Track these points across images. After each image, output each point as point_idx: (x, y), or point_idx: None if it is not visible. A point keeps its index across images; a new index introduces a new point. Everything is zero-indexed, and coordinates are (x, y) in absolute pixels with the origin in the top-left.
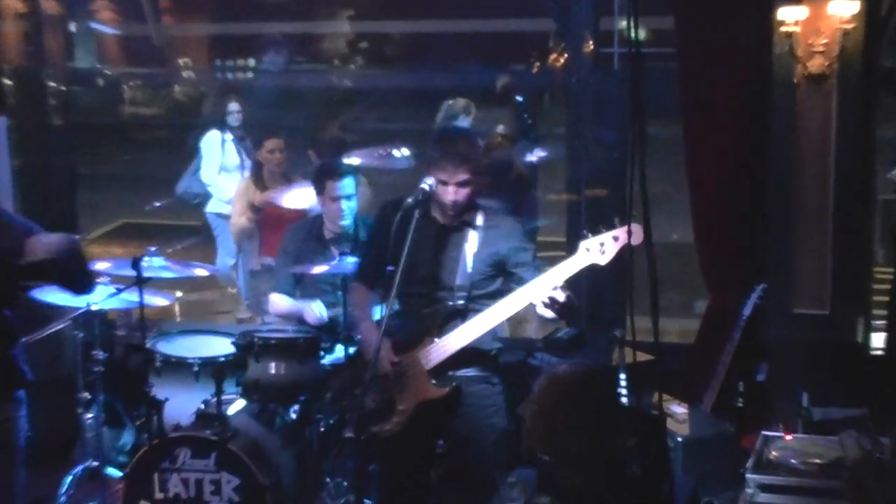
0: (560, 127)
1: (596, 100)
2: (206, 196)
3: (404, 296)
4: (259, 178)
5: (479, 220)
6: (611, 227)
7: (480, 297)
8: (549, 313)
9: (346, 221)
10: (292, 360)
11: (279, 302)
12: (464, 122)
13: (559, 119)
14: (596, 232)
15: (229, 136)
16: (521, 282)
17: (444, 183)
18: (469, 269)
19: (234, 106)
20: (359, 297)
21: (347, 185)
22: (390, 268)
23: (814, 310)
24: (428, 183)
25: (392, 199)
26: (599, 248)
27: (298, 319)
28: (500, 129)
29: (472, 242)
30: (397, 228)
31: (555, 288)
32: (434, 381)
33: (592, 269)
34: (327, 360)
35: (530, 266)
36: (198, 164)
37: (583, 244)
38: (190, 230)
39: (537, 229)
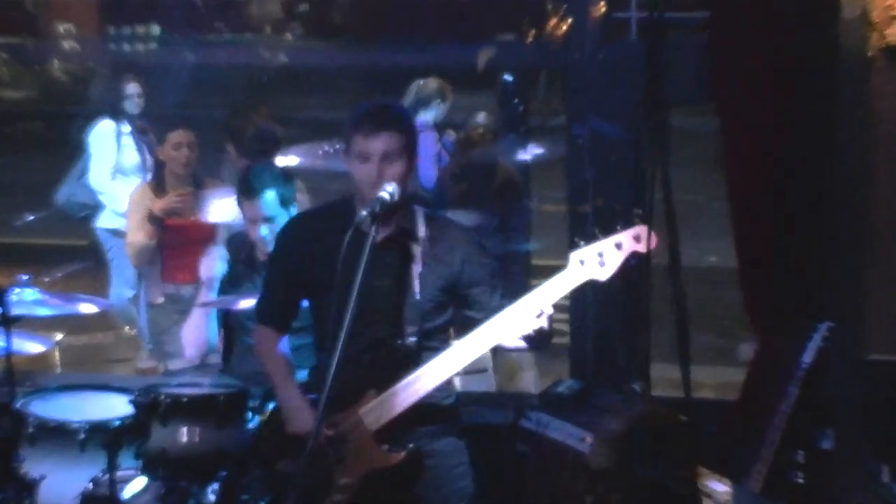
0: (559, 116)
1: (606, 81)
2: (96, 207)
3: (333, 338)
4: (160, 181)
5: (421, 228)
6: (610, 231)
7: (433, 331)
8: (516, 342)
9: (270, 248)
10: (210, 423)
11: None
12: (436, 109)
13: (558, 106)
14: (591, 239)
15: (126, 128)
16: (476, 306)
17: (365, 157)
18: (417, 296)
19: (132, 88)
20: (265, 342)
21: (267, 202)
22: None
23: (893, 356)
24: (388, 191)
25: (302, 214)
26: (597, 260)
27: (221, 369)
28: (482, 118)
29: (416, 260)
30: (347, 253)
31: (540, 315)
32: (385, 447)
33: (600, 301)
34: (256, 422)
35: (485, 285)
36: (85, 166)
37: (575, 255)
38: (74, 252)
39: (529, 254)
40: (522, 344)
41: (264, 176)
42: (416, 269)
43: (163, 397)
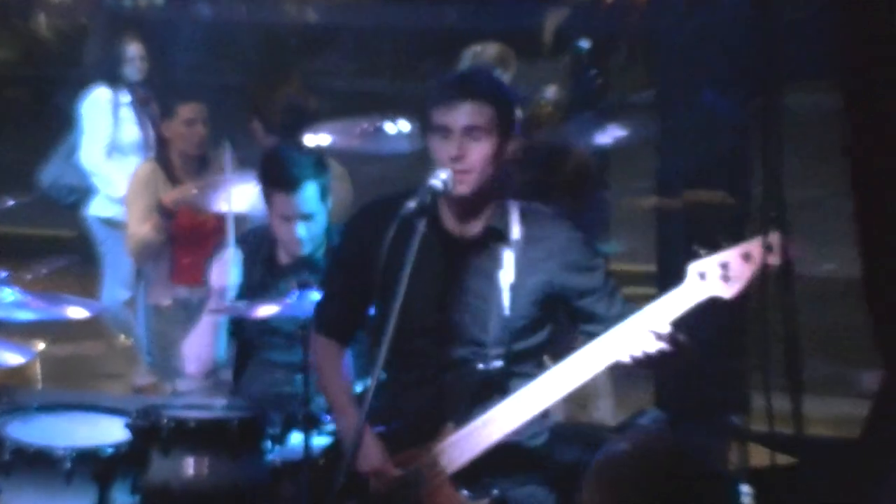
0: (646, 91)
1: (701, 51)
2: (88, 191)
3: (403, 357)
4: (167, 163)
5: (516, 228)
6: (736, 239)
7: (524, 354)
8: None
9: (306, 250)
10: (222, 453)
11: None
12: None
13: (644, 78)
14: (713, 248)
15: (125, 98)
16: (594, 319)
17: (445, 131)
18: (507, 311)
19: (133, 50)
20: (326, 357)
21: (306, 196)
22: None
23: None
24: (441, 178)
25: (376, 201)
26: (721, 274)
27: (234, 390)
28: (551, 93)
29: (507, 268)
30: (391, 248)
31: (657, 336)
32: (465, 492)
33: (691, 316)
34: (277, 454)
35: (602, 293)
36: (75, 142)
37: (694, 268)
38: (60, 245)
39: (606, 257)
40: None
41: (304, 164)
42: (508, 277)
43: (165, 421)
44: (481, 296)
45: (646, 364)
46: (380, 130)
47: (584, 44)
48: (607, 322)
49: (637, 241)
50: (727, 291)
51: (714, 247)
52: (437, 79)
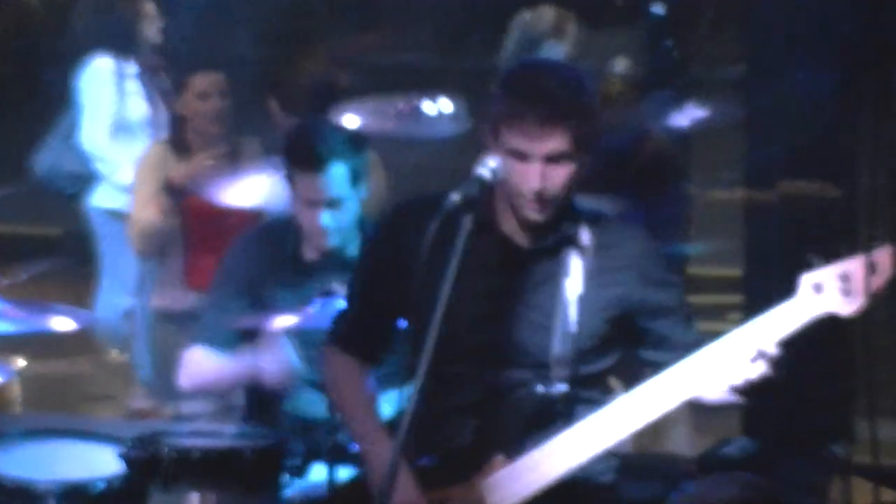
0: (734, 66)
1: (801, 17)
2: (90, 179)
3: (444, 379)
4: (180, 141)
5: (585, 235)
6: (855, 248)
7: (591, 379)
8: (720, 395)
9: (333, 241)
10: (231, 488)
11: (199, 362)
12: (554, 51)
13: (732, 51)
14: (831, 256)
15: (132, 69)
16: (664, 345)
17: (522, 156)
18: (573, 328)
19: (148, 7)
20: (345, 377)
21: (334, 178)
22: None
23: None
24: (490, 167)
25: (415, 200)
26: (840, 287)
27: (246, 415)
28: (621, 67)
29: (574, 277)
30: (433, 249)
31: (762, 356)
32: None
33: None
34: (296, 489)
35: (679, 316)
36: (74, 121)
37: (808, 279)
38: (44, 244)
39: (686, 259)
40: (731, 398)
41: (332, 140)
42: (575, 290)
43: (166, 451)
44: (544, 309)
45: (744, 393)
46: (418, 111)
47: (660, 9)
48: (679, 350)
49: (722, 242)
50: (847, 307)
51: (832, 255)
52: (508, 81)
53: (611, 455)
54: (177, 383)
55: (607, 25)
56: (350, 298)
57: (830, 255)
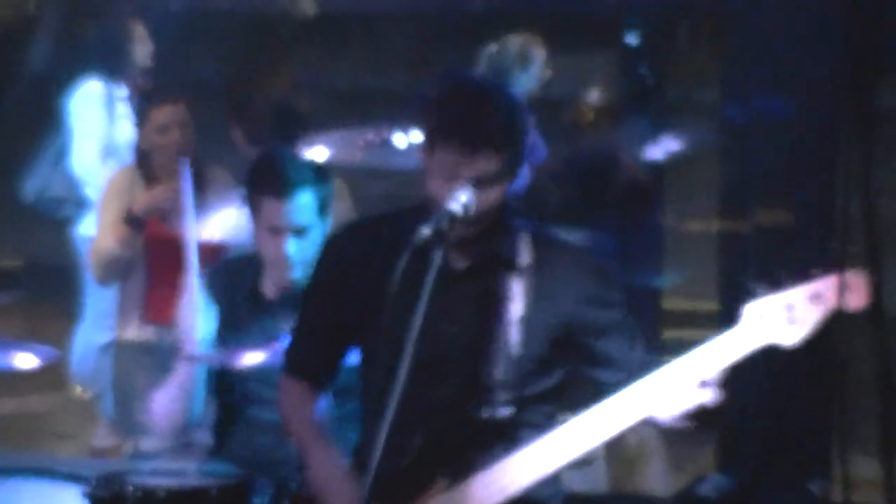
0: (709, 90)
1: (782, 39)
2: (79, 203)
3: (384, 396)
4: (150, 174)
5: (526, 254)
6: (803, 276)
7: (533, 400)
8: (673, 421)
9: (297, 273)
10: None
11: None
12: (522, 80)
13: (708, 75)
14: (775, 285)
15: (122, 92)
16: (607, 364)
17: (452, 176)
18: (515, 349)
19: (139, 29)
20: (296, 401)
21: (301, 205)
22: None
23: None
24: (461, 200)
25: (360, 222)
26: (784, 316)
27: (213, 451)
28: (594, 95)
29: (516, 299)
30: (403, 281)
31: (703, 384)
32: None
33: (764, 364)
34: None
35: (618, 334)
36: (63, 146)
37: (752, 308)
38: (2, 277)
39: (658, 292)
40: (682, 423)
41: (301, 167)
42: (516, 311)
43: (131, 489)
44: (484, 332)
45: (683, 421)
46: (387, 142)
47: (634, 38)
48: (624, 369)
49: (696, 273)
50: (790, 338)
51: (776, 283)
52: (439, 97)
53: (556, 482)
54: (134, 419)
55: (581, 50)
56: (298, 324)
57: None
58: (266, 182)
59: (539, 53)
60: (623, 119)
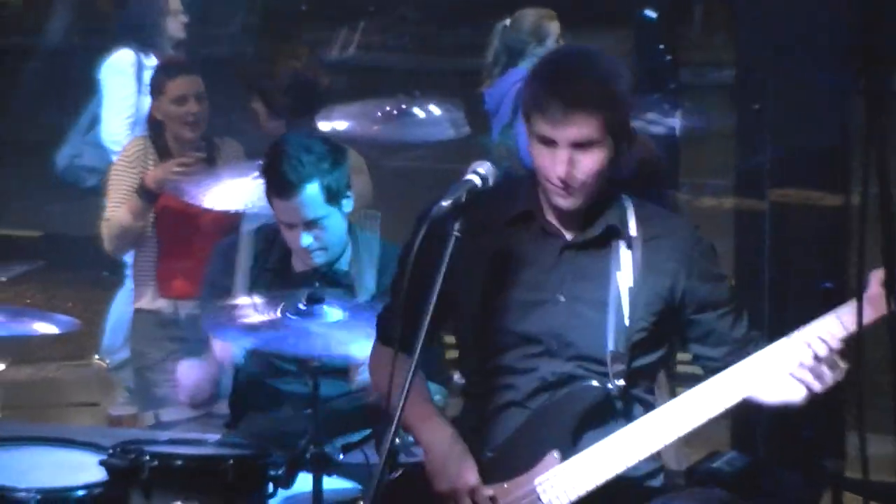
0: (725, 69)
1: (797, 19)
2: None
3: (504, 375)
4: (163, 146)
5: (633, 224)
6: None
7: (641, 373)
8: (791, 394)
9: (319, 260)
10: (214, 497)
11: (192, 374)
12: (540, 52)
13: (723, 54)
14: (837, 266)
15: (152, 62)
16: (711, 338)
17: (549, 142)
18: (626, 321)
19: (173, 4)
20: (391, 367)
21: (307, 201)
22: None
23: None
24: (479, 171)
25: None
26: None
27: (229, 422)
28: None
29: (625, 270)
30: (426, 255)
31: (828, 354)
32: None
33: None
34: (280, 499)
35: (728, 309)
36: (95, 113)
37: (878, 275)
38: (21, 247)
39: None
40: (793, 397)
41: (304, 163)
42: (625, 281)
43: (147, 459)
44: (595, 303)
45: (801, 394)
46: (405, 114)
47: (651, 13)
48: (727, 345)
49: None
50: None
51: (828, 263)
52: (542, 63)
53: (657, 458)
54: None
55: (596, 28)
56: (392, 290)
57: (826, 263)
58: (271, 183)
59: (553, 28)
60: (637, 96)
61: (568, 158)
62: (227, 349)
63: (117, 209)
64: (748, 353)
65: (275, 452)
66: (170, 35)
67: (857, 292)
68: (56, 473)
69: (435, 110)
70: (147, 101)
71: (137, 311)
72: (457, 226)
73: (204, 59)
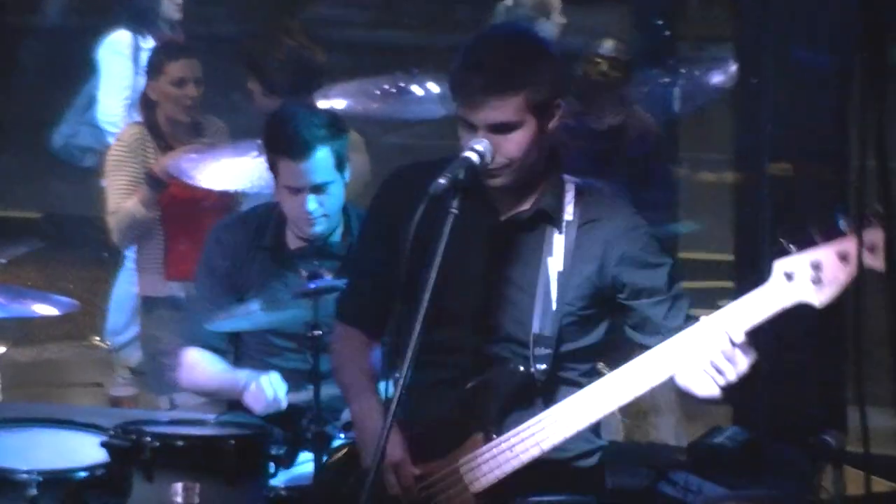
0: (723, 44)
1: None
2: (105, 150)
3: (432, 353)
4: (156, 129)
5: (570, 209)
6: (832, 233)
7: (571, 356)
8: (709, 389)
9: (319, 228)
10: (216, 477)
11: (200, 366)
12: (547, 27)
13: (722, 30)
14: (804, 243)
15: (149, 43)
16: (647, 325)
17: (471, 126)
18: (553, 305)
19: None
20: (350, 350)
21: (319, 163)
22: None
23: None
24: (477, 149)
25: (404, 168)
26: (812, 275)
27: (231, 403)
28: (608, 46)
29: (556, 254)
30: (421, 228)
31: (733, 344)
32: None
33: (778, 319)
34: (282, 479)
35: (663, 297)
36: (92, 93)
37: (780, 265)
38: (21, 228)
39: (675, 241)
40: (709, 391)
41: (313, 125)
42: (556, 265)
43: (148, 439)
44: (524, 286)
45: (709, 380)
46: (404, 92)
47: None
48: (662, 333)
49: (711, 225)
50: (818, 297)
51: (806, 241)
52: (454, 58)
53: (595, 438)
54: (174, 379)
55: (595, 4)
56: (351, 272)
57: (822, 238)
58: (281, 143)
59: (558, 4)
60: (635, 72)
61: (486, 139)
62: (261, 397)
63: (123, 200)
64: None
65: (275, 431)
66: (164, 16)
67: (858, 264)
68: (57, 455)
69: (433, 88)
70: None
71: (146, 299)
72: (455, 203)
73: (202, 37)
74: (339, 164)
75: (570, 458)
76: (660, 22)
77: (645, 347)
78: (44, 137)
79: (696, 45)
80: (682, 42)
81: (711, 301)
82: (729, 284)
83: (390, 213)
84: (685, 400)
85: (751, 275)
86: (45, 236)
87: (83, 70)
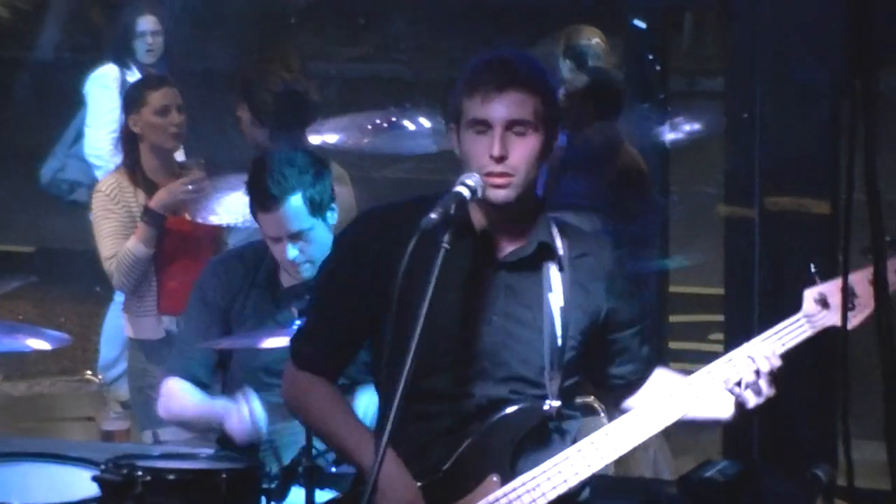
0: (714, 77)
1: (786, 27)
2: (92, 186)
3: (421, 401)
4: (135, 168)
5: (559, 243)
6: (824, 254)
7: (570, 392)
8: (725, 412)
9: (306, 274)
10: None
11: (178, 395)
12: None
13: (713, 63)
14: (828, 272)
15: (135, 76)
16: (625, 357)
17: (483, 125)
18: (559, 341)
19: (146, 22)
20: (320, 395)
21: (290, 213)
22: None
23: None
24: (468, 183)
25: (376, 209)
26: (838, 301)
27: (221, 438)
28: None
29: (556, 290)
30: (413, 265)
31: (770, 372)
32: None
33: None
34: None
35: (639, 328)
36: (79, 128)
37: (811, 293)
38: (14, 262)
39: (666, 275)
40: (720, 414)
41: (286, 175)
42: (557, 301)
43: (140, 473)
44: (529, 323)
45: (741, 409)
46: (396, 126)
47: (641, 23)
48: (634, 363)
49: (702, 259)
50: (851, 322)
51: (828, 272)
52: (467, 64)
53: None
54: (156, 411)
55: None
56: (311, 317)
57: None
58: (254, 193)
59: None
60: (628, 105)
61: (501, 139)
62: (243, 422)
63: (119, 244)
64: (651, 372)
65: (267, 465)
66: (138, 59)
67: (843, 297)
68: (50, 489)
69: (425, 122)
70: None
71: (134, 341)
72: (446, 238)
73: (195, 71)
74: (318, 209)
75: (573, 494)
76: (651, 56)
77: (618, 378)
78: (37, 171)
79: (688, 80)
80: (673, 75)
81: (702, 334)
82: (719, 318)
83: (355, 257)
84: (676, 432)
85: (741, 308)
86: (39, 271)
87: (73, 104)
